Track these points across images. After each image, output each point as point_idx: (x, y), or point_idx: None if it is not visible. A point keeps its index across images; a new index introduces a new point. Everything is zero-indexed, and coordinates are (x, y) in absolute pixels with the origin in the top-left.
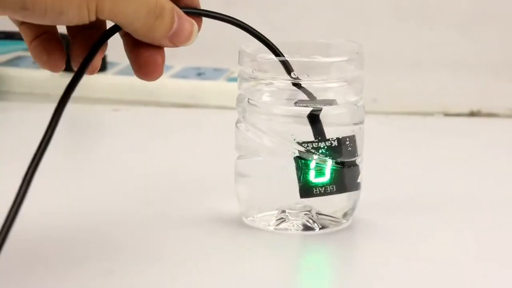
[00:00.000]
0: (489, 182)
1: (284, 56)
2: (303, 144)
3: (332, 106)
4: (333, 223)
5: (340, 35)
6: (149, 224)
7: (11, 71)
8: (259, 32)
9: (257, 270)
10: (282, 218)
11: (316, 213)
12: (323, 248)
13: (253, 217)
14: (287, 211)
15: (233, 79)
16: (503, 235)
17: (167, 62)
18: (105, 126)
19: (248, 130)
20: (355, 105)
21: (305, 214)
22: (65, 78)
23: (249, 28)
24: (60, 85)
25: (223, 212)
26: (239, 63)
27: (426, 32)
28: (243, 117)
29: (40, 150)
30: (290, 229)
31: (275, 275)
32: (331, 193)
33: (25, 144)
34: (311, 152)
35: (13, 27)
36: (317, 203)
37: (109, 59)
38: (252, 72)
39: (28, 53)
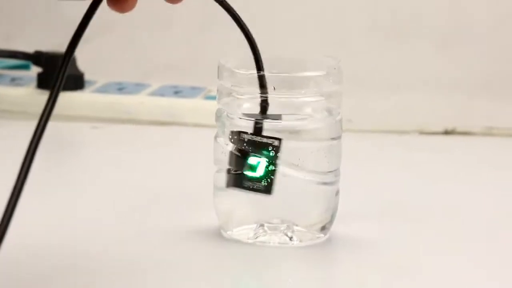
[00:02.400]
0: (463, 195)
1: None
2: None
3: (309, 121)
4: (311, 236)
5: (315, 53)
6: (128, 238)
7: None
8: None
9: (235, 283)
10: (260, 232)
11: (294, 227)
12: (302, 262)
13: (232, 231)
14: (265, 225)
15: (210, 97)
16: (477, 244)
17: (145, 81)
18: (84, 144)
19: (227, 144)
20: (333, 119)
21: (283, 228)
22: (43, 96)
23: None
24: (37, 102)
25: (202, 226)
26: (218, 78)
27: (401, 51)
28: (222, 131)
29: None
30: (268, 243)
31: None
32: (257, 190)
33: (3, 162)
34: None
35: None
36: (295, 216)
37: (87, 77)
38: (231, 86)
39: (6, 72)
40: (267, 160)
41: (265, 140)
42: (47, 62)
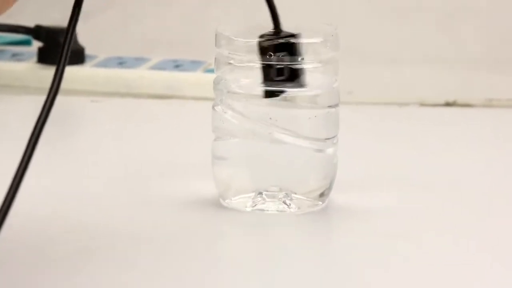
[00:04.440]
0: (464, 166)
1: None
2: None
3: (306, 87)
4: (310, 204)
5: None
6: (128, 207)
7: None
8: None
9: (234, 250)
10: (259, 200)
11: (293, 194)
12: (300, 229)
13: (230, 199)
14: (263, 193)
15: (210, 71)
16: (476, 215)
17: (145, 54)
18: (84, 117)
19: (225, 112)
20: (330, 86)
21: (281, 196)
22: (44, 71)
23: None
24: (38, 77)
25: (201, 195)
26: (215, 46)
27: (402, 25)
28: (220, 100)
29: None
30: (267, 211)
31: (252, 256)
32: (290, 88)
33: (4, 136)
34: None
35: None
36: (293, 184)
37: (88, 52)
38: (229, 54)
39: (7, 47)
40: (292, 58)
41: (283, 39)
42: (47, 37)
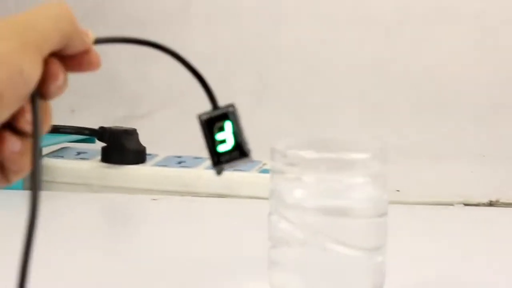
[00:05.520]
0: (510, 271)
1: (208, 85)
2: None
3: (355, 200)
4: None
5: (365, 129)
6: None
7: (56, 162)
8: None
9: None
10: None
11: None
12: None
13: None
14: None
15: (265, 171)
16: None
17: (202, 154)
18: (145, 215)
19: (280, 222)
20: (379, 198)
21: None
22: (107, 170)
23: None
24: (102, 176)
25: None
26: (271, 159)
27: (445, 124)
28: (275, 209)
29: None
30: None
31: None
32: (235, 159)
33: (69, 232)
34: None
35: (57, 122)
36: None
37: (148, 151)
38: (283, 166)
39: (72, 145)
40: (232, 128)
41: (220, 111)
42: (111, 138)
